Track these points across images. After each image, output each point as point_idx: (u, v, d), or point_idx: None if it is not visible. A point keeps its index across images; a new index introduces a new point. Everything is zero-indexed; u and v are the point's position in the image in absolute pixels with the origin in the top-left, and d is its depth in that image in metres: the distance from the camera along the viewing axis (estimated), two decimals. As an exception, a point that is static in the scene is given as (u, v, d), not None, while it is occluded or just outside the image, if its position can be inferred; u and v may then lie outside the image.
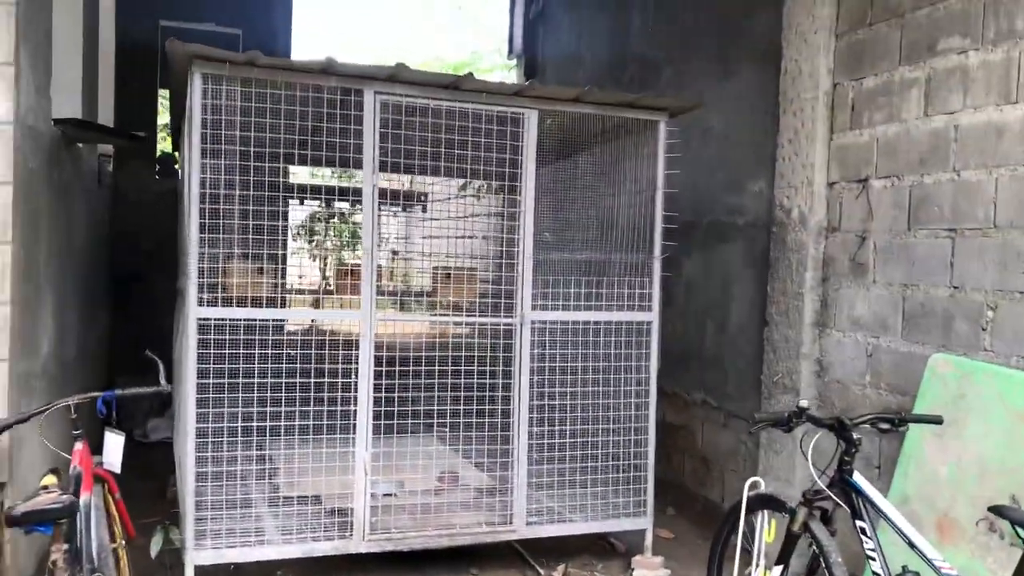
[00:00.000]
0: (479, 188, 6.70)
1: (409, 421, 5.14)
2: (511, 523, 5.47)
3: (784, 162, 6.16)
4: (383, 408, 5.08)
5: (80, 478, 3.88)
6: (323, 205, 9.31)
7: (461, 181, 7.12)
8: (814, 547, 3.78)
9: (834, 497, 3.80)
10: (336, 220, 11.06)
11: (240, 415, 4.87)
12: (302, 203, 7.72)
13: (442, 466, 6.33)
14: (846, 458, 3.78)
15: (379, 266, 6.94)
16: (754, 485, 4.23)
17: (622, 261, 5.79)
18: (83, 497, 3.86)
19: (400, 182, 6.29)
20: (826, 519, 3.89)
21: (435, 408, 5.41)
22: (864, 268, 5.48)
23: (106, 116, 8.09)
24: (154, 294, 8.99)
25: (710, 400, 7.37)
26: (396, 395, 5.16)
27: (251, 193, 4.87)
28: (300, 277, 8.09)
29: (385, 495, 5.70)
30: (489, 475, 6.30)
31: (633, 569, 5.78)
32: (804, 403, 3.90)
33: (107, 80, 8.21)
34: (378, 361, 5.07)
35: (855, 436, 3.76)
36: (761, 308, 6.49)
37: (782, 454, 6.04)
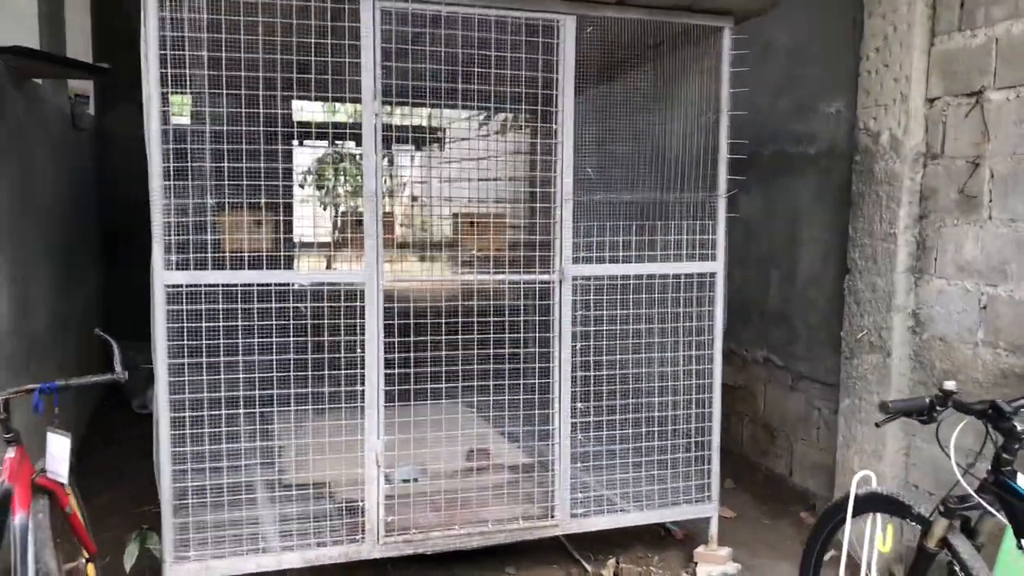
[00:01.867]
0: (506, 119, 5.72)
1: (430, 386, 4.24)
2: (553, 516, 4.62)
3: (870, 76, 5.11)
4: (401, 370, 4.20)
5: (10, 494, 3.07)
6: (331, 145, 8.37)
7: (484, 113, 6.13)
8: (959, 570, 2.89)
9: (986, 506, 2.89)
10: (347, 164, 10.13)
11: (223, 398, 4.01)
12: (301, 144, 6.77)
13: (471, 440, 5.45)
14: (1005, 455, 2.85)
15: (390, 214, 5.94)
16: (864, 481, 3.33)
17: (679, 201, 4.81)
18: (17, 517, 3.06)
19: (415, 116, 5.31)
20: (968, 531, 2.99)
21: (461, 370, 4.50)
22: (976, 202, 4.47)
23: (79, 49, 7.14)
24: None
25: (774, 359, 6.44)
26: (414, 355, 4.27)
27: (227, 129, 3.93)
28: (303, 231, 7.21)
29: (404, 482, 4.85)
30: (526, 450, 5.44)
31: (696, 563, 4.93)
32: (950, 385, 2.95)
33: (79, 6, 7.22)
34: (394, 315, 4.19)
35: (1018, 427, 2.82)
36: (839, 253, 5.51)
37: (869, 423, 5.12)
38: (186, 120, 4.38)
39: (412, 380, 4.29)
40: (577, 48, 4.34)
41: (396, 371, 4.18)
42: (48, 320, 5.78)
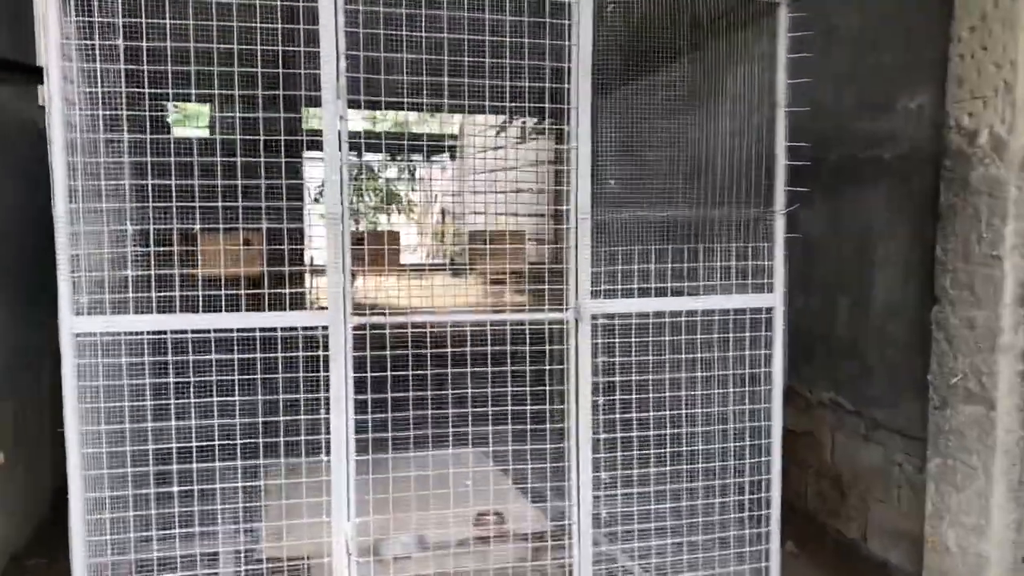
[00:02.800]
0: (505, 122, 4.89)
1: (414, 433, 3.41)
2: (571, 606, 3.73)
3: (963, 61, 4.14)
4: (381, 415, 3.37)
5: None
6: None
7: (479, 114, 5.31)
8: None
9: None
10: (363, 177, 9.39)
11: (152, 473, 3.23)
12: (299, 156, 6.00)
13: (479, 495, 4.54)
14: None
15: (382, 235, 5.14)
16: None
17: (726, 219, 3.90)
18: None
19: (389, 119, 4.50)
20: None
21: (454, 416, 3.65)
22: (1110, 216, 3.49)
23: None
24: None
25: (843, 401, 5.45)
26: (411, 393, 3.44)
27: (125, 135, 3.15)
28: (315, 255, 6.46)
29: (397, 558, 4.01)
30: (543, 510, 4.55)
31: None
32: None
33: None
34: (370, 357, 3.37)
35: None
36: (924, 278, 4.53)
37: (967, 490, 4.13)
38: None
39: (395, 426, 3.45)
40: (596, 32, 3.47)
41: (372, 415, 3.34)
42: (5, 355, 5.10)
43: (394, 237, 5.77)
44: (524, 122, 4.98)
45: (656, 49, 3.97)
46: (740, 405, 3.86)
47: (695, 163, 3.99)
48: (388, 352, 3.37)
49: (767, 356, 3.87)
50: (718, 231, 3.88)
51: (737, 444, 3.87)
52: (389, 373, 3.42)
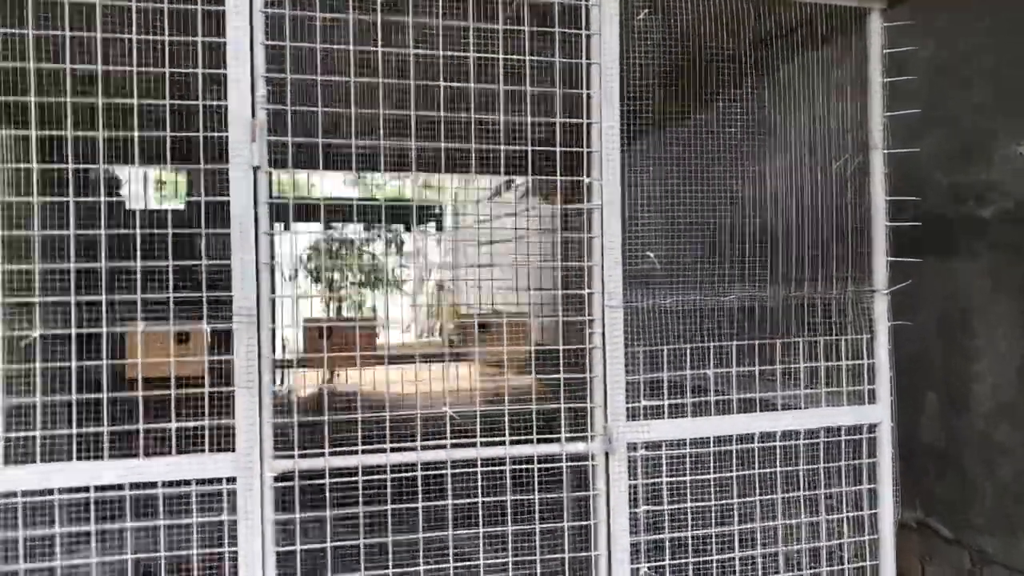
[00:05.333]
0: (498, 187, 3.89)
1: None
2: None
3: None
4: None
5: None
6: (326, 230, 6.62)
7: (487, 179, 4.30)
8: None
9: None
10: (345, 251, 8.40)
11: None
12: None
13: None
14: None
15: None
16: None
17: (804, 302, 2.84)
18: None
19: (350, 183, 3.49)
20: None
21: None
22: None
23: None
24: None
25: (936, 526, 4.30)
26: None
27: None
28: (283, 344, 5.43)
29: None
30: None
31: None
32: None
33: None
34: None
35: None
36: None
37: None
38: None
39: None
40: (625, 48, 2.47)
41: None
42: None
43: (367, 327, 4.73)
44: (523, 180, 3.99)
45: (708, 74, 2.94)
46: (835, 567, 2.73)
47: (763, 227, 2.94)
48: (328, 512, 2.27)
49: (871, 492, 2.76)
50: (796, 317, 2.82)
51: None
52: (328, 543, 2.31)
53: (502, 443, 2.39)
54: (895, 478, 2.77)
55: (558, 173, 2.46)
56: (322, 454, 2.26)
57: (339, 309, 8.23)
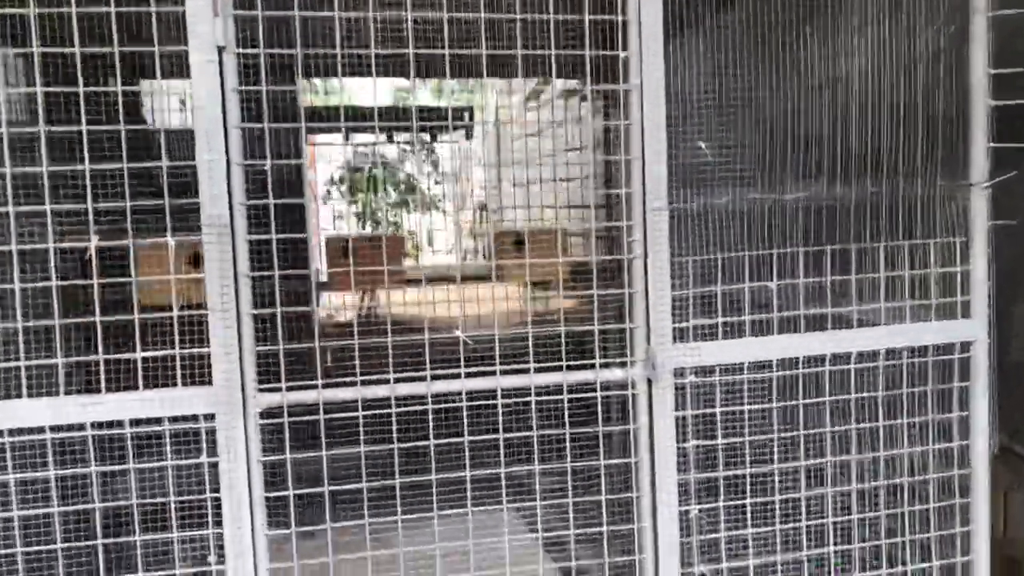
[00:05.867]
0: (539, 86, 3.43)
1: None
2: None
3: None
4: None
5: None
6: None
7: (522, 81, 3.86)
8: None
9: None
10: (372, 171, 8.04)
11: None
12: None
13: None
14: None
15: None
16: None
17: (885, 200, 2.41)
18: None
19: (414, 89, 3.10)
20: None
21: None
22: None
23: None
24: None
25: (1019, 448, 3.88)
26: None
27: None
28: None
29: None
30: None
31: None
32: None
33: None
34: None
35: None
36: None
37: None
38: None
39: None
40: None
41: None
42: None
43: (396, 243, 4.38)
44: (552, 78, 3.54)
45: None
46: (918, 506, 2.36)
47: (834, 113, 2.47)
48: (324, 452, 1.95)
49: (962, 420, 2.36)
50: (879, 219, 2.38)
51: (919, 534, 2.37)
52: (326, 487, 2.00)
53: (526, 371, 2.04)
54: (992, 405, 2.37)
55: (587, 48, 2.03)
56: (314, 386, 1.94)
57: (374, 229, 7.92)
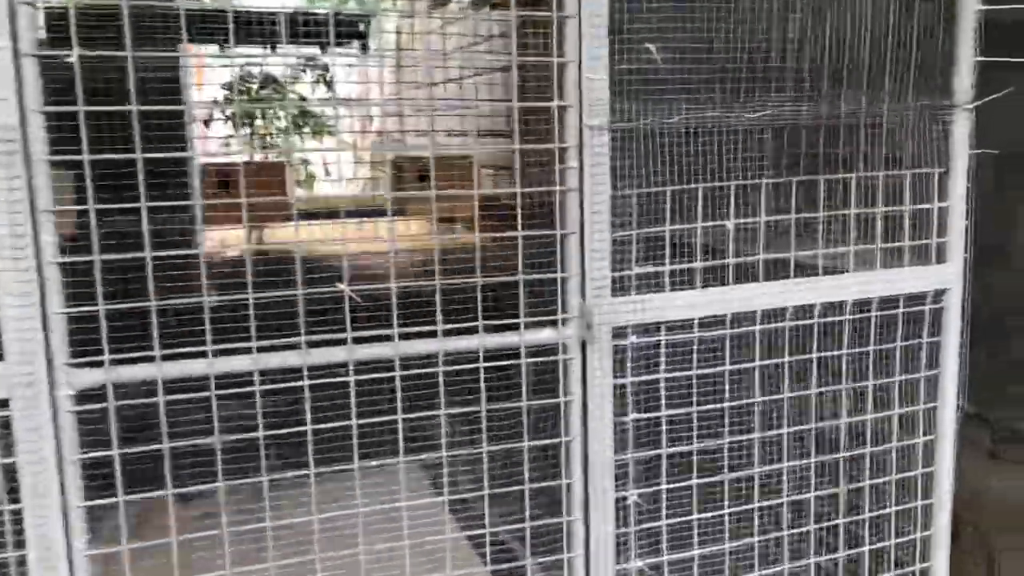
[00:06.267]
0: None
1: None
2: None
3: None
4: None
5: None
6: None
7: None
8: None
9: None
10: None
11: None
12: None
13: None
14: None
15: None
16: None
17: (859, 120, 2.05)
18: None
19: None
20: None
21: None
22: None
23: None
24: None
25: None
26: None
27: None
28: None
29: None
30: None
31: None
32: None
33: None
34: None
35: None
36: None
37: None
38: None
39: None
40: None
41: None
42: None
43: (276, 169, 3.79)
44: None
45: None
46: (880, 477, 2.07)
47: (802, 21, 2.07)
48: (165, 445, 1.49)
49: (928, 381, 2.07)
50: (845, 149, 2.02)
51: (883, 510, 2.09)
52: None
53: (432, 335, 1.60)
54: (963, 361, 2.08)
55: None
56: (151, 358, 1.46)
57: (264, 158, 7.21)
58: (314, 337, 1.53)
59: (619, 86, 1.70)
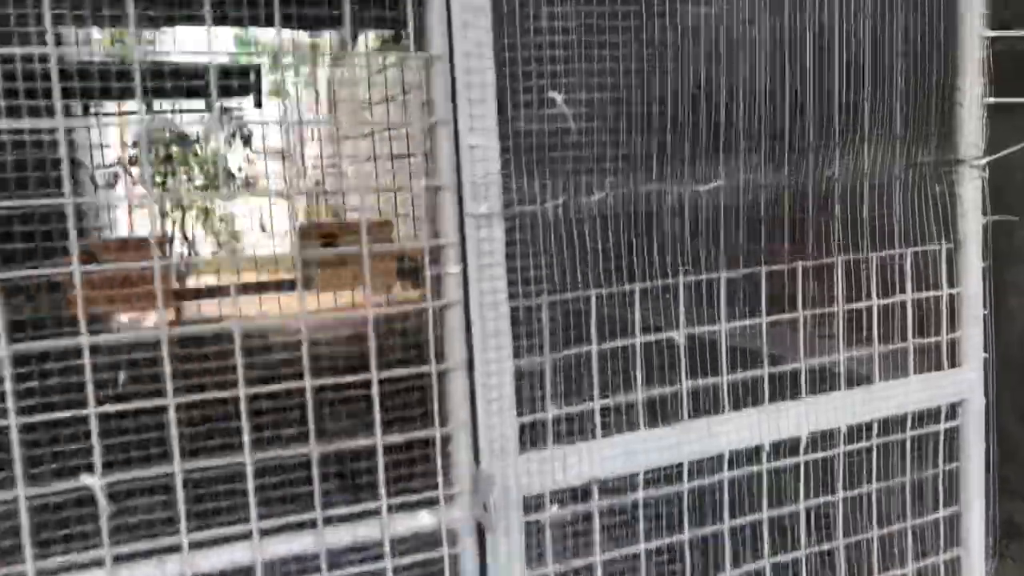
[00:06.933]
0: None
1: None
2: None
3: None
4: None
5: None
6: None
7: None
8: None
9: None
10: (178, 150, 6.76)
11: None
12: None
13: None
14: None
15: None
16: None
17: (839, 188, 1.57)
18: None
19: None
20: None
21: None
22: None
23: None
24: None
25: None
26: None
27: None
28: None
29: None
30: None
31: None
32: None
33: None
34: None
35: None
36: None
37: None
38: None
39: None
40: None
41: None
42: None
43: (139, 245, 3.19)
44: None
45: None
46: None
47: (771, 64, 1.58)
48: None
49: (951, 523, 1.57)
50: (828, 222, 1.53)
51: None
52: None
53: (245, 535, 1.05)
54: (991, 497, 1.59)
55: None
56: None
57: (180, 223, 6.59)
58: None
59: (517, 155, 1.19)
